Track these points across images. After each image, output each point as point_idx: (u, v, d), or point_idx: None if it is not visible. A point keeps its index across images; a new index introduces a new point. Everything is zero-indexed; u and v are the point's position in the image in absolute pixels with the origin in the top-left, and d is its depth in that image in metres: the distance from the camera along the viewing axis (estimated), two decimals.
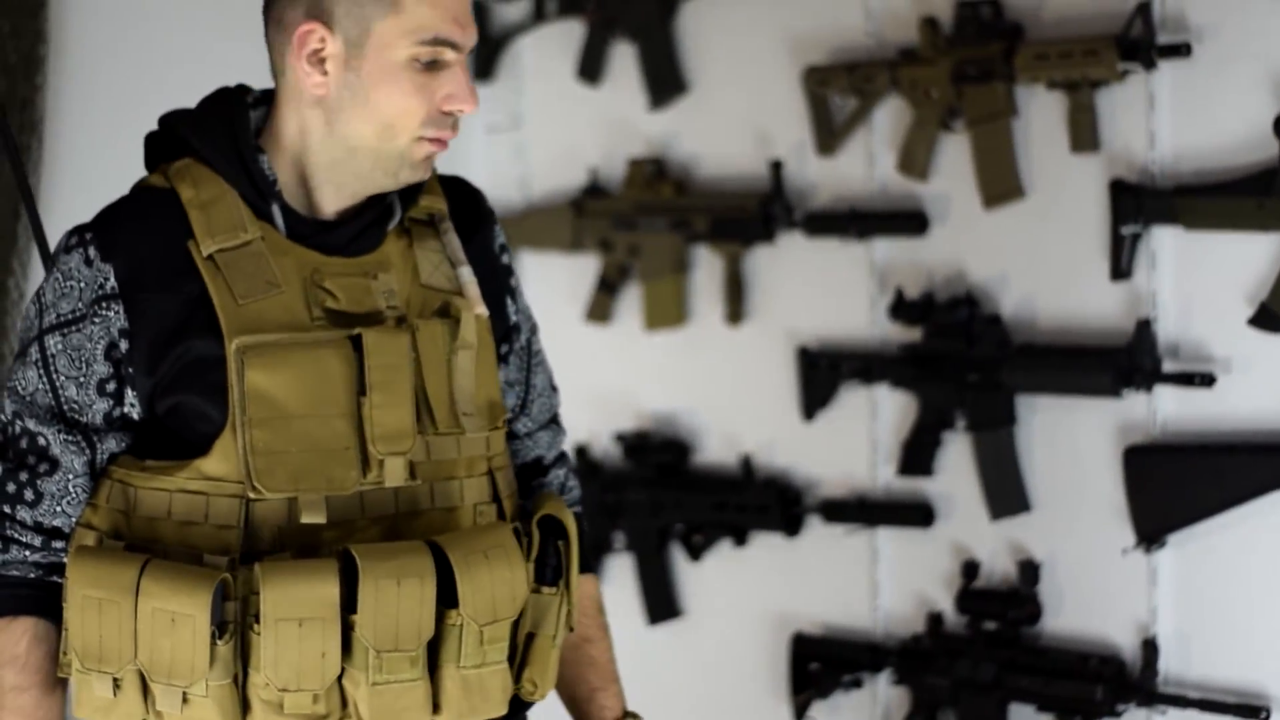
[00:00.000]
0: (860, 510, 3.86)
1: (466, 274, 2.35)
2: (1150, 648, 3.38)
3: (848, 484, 3.92)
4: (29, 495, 2.22)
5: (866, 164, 3.83)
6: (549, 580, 2.32)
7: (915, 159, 3.71)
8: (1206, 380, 3.26)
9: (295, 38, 2.26)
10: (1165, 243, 3.35)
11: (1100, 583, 3.50)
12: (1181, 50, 3.24)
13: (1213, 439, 3.31)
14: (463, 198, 2.46)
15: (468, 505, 2.31)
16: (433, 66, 2.28)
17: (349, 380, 2.21)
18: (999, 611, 3.57)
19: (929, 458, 3.73)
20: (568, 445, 2.67)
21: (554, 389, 2.58)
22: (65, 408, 2.23)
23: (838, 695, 3.87)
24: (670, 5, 4.12)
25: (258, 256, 2.23)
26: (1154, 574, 3.39)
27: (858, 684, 3.84)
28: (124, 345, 2.22)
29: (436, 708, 2.23)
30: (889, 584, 3.87)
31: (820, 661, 3.87)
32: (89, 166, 3.79)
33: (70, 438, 2.22)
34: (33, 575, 2.23)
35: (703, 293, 4.11)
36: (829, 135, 3.87)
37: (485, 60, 4.46)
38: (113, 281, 2.21)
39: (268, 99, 2.36)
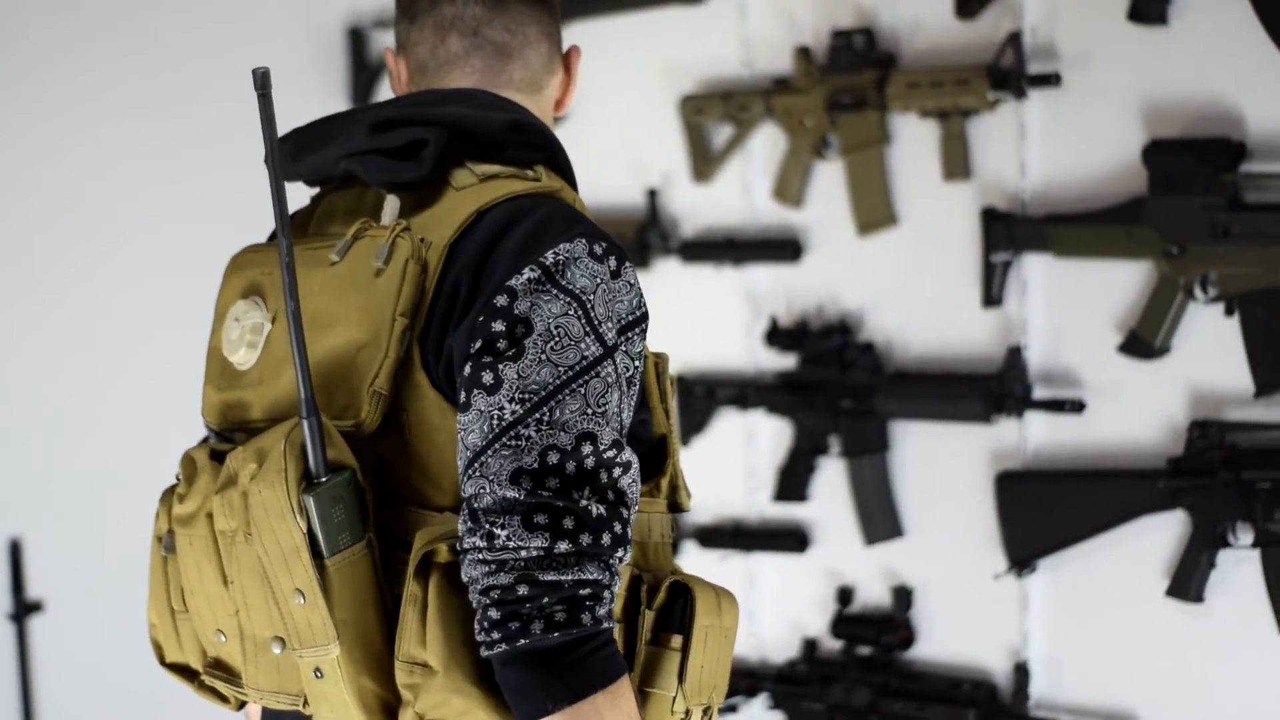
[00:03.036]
0: (736, 536, 3.87)
1: None
2: (1022, 672, 3.41)
3: (723, 510, 3.93)
4: (628, 534, 1.97)
5: (742, 191, 3.85)
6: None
7: (790, 187, 3.73)
8: (1076, 406, 3.29)
9: (573, 53, 2.31)
10: (1036, 270, 3.38)
11: (972, 607, 3.52)
12: (1051, 80, 3.28)
13: (1083, 465, 3.34)
14: None
15: None
16: None
17: None
18: (873, 636, 3.60)
19: (804, 484, 3.74)
20: None
21: None
22: (623, 432, 2.03)
23: None
24: None
25: None
26: (1025, 599, 3.42)
27: (733, 710, 3.84)
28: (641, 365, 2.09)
29: None
30: (764, 610, 3.88)
31: None
32: None
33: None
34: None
35: None
36: (704, 163, 3.88)
37: (365, 87, 4.44)
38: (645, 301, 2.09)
39: None
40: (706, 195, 3.92)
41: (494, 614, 1.90)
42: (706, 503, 3.95)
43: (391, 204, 2.11)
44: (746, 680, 3.80)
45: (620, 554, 1.95)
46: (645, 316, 2.06)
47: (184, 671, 2.27)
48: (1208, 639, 3.20)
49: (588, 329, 1.98)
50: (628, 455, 1.98)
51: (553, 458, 1.93)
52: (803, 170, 3.72)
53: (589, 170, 4.08)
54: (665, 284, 3.98)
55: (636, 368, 2.05)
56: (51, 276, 4.00)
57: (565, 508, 1.91)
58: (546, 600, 1.90)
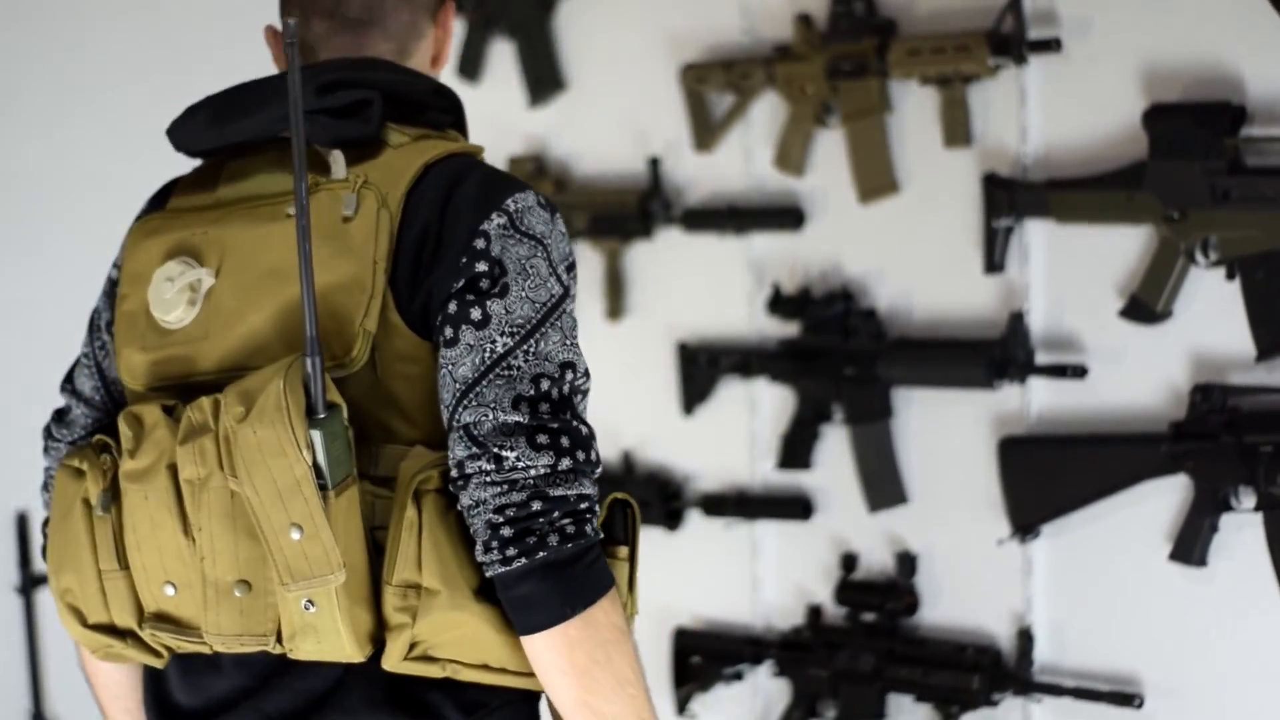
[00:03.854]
0: (740, 504, 3.88)
1: None
2: (1026, 637, 3.41)
3: (727, 478, 3.94)
4: (599, 452, 2.12)
5: (743, 160, 3.85)
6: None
7: (791, 155, 3.73)
8: (1079, 372, 3.29)
9: (445, 8, 2.38)
10: (1037, 236, 3.38)
11: (976, 573, 3.53)
12: (1052, 45, 3.28)
13: (1085, 430, 3.35)
14: None
15: None
16: None
17: None
18: (877, 603, 3.60)
19: (807, 451, 3.75)
20: None
21: None
22: None
23: (719, 688, 3.88)
24: (549, 3, 4.13)
25: None
26: (1029, 564, 3.43)
27: (739, 676, 3.85)
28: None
29: None
30: (769, 577, 3.89)
31: (701, 655, 3.89)
32: None
33: None
34: None
35: (582, 289, 4.11)
36: (706, 132, 3.88)
37: None
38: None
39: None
40: (708, 164, 3.92)
41: (507, 532, 2.02)
42: (710, 470, 3.96)
43: (338, 159, 2.19)
44: (751, 648, 3.81)
45: (599, 470, 2.10)
46: (575, 264, 2.21)
47: (109, 631, 2.27)
48: (1210, 603, 3.21)
49: (550, 270, 2.14)
50: (590, 383, 2.15)
51: (544, 384, 2.08)
52: (804, 138, 3.72)
53: (591, 139, 4.12)
54: (668, 253, 3.99)
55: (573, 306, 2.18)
56: (54, 254, 4.00)
57: (560, 428, 2.05)
58: (556, 514, 2.03)
